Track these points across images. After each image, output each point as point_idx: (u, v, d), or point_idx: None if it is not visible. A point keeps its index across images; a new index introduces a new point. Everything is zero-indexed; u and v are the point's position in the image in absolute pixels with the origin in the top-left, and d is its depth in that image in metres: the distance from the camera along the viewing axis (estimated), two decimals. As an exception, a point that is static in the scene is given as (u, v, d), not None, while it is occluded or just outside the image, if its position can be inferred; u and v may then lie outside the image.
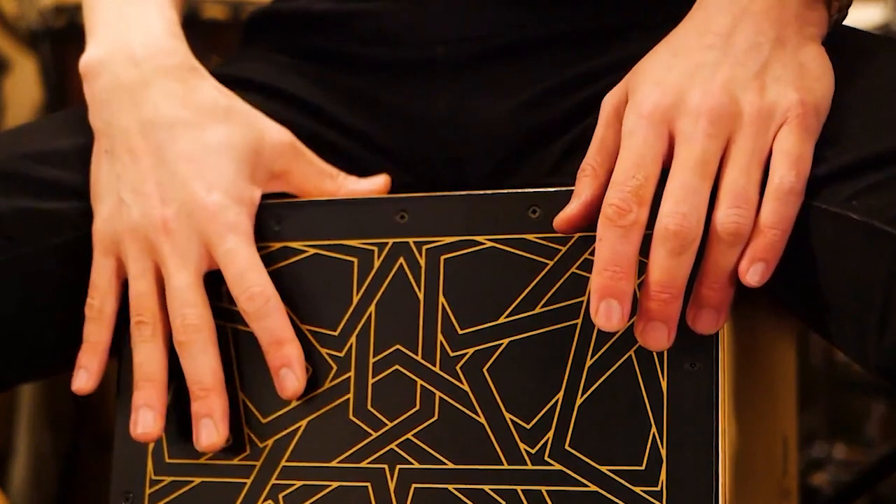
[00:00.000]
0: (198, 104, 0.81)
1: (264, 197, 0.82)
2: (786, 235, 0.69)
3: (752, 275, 0.69)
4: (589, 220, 0.72)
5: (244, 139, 0.81)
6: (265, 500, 0.78)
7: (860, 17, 1.90)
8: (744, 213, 0.68)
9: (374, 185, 0.84)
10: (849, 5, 0.76)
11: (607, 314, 0.69)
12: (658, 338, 0.70)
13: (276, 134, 0.83)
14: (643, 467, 0.72)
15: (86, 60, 0.83)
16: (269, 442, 0.79)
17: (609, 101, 0.74)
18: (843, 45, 0.77)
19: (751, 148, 0.69)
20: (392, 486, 0.76)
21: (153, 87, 0.81)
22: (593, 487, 0.73)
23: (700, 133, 0.69)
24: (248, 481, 0.79)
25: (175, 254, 0.78)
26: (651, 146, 0.69)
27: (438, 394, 0.76)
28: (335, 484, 0.77)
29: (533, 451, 0.74)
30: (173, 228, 0.78)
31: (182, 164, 0.79)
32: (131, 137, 0.80)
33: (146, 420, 0.78)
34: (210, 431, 0.78)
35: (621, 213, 0.68)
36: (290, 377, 0.78)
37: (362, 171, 0.87)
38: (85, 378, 0.81)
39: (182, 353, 0.78)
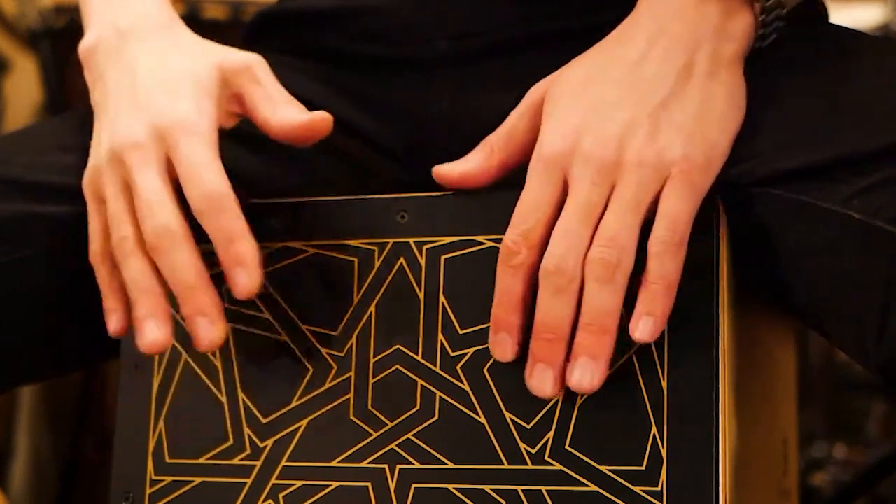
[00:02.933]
0: (173, 47, 0.83)
1: (265, 195, 0.82)
2: (670, 289, 0.70)
3: (642, 330, 0.70)
4: (463, 184, 0.77)
5: (208, 64, 0.81)
6: (265, 500, 0.78)
7: (860, 17, 1.90)
8: (610, 251, 0.70)
9: (310, 120, 0.81)
10: (779, 7, 0.75)
11: (502, 345, 0.73)
12: (543, 379, 0.72)
13: (237, 56, 0.82)
14: (643, 467, 0.72)
15: (82, 47, 0.85)
16: (269, 442, 0.79)
17: (533, 93, 0.77)
18: (837, 43, 0.77)
19: (629, 197, 0.71)
20: (392, 486, 0.76)
21: (135, 47, 0.82)
22: (593, 487, 0.73)
23: (587, 181, 0.71)
24: (248, 481, 0.79)
25: (139, 161, 0.76)
26: (545, 191, 0.73)
27: (439, 394, 0.76)
28: (335, 484, 0.77)
29: (533, 451, 0.74)
30: (140, 141, 0.77)
31: (151, 88, 0.79)
32: (115, 87, 0.81)
33: (150, 328, 0.75)
34: (208, 328, 0.75)
35: (511, 253, 0.72)
36: (242, 275, 0.75)
37: (363, 171, 0.87)
38: (116, 319, 0.79)
39: (157, 258, 0.75)
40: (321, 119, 0.81)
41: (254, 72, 0.82)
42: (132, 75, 0.81)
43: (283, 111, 0.80)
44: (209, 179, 0.75)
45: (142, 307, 0.76)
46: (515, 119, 0.77)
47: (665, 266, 0.70)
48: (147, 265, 0.76)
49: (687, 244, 0.71)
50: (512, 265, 0.72)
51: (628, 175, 0.71)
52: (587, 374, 0.71)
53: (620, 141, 0.72)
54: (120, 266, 0.77)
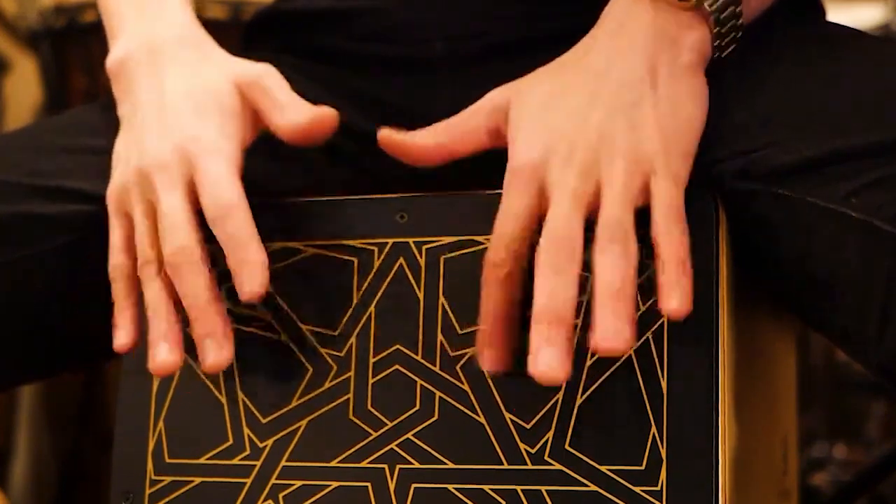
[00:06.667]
0: (200, 66, 0.84)
1: (265, 195, 0.82)
2: (685, 264, 0.70)
3: (677, 299, 0.69)
4: (399, 152, 0.79)
5: (227, 81, 0.82)
6: (265, 500, 0.78)
7: (860, 17, 1.90)
8: (617, 227, 0.70)
9: (315, 116, 0.81)
10: (734, 18, 0.76)
11: (494, 357, 0.73)
12: (549, 362, 0.69)
13: (248, 69, 0.83)
14: (643, 467, 0.72)
15: (112, 60, 0.86)
16: (269, 442, 0.79)
17: (493, 99, 0.78)
18: (834, 41, 0.77)
19: (619, 187, 0.71)
20: (392, 486, 0.76)
21: (166, 66, 0.84)
22: (593, 487, 0.73)
23: (571, 178, 0.72)
24: (248, 481, 0.79)
25: (164, 181, 0.78)
26: (522, 201, 0.73)
27: (438, 394, 0.76)
28: (335, 484, 0.77)
29: (533, 451, 0.74)
30: (167, 162, 0.79)
31: (178, 108, 0.81)
32: (146, 106, 0.82)
33: (161, 352, 0.76)
34: (215, 351, 0.76)
35: (496, 266, 0.72)
36: (248, 277, 0.75)
37: (363, 171, 0.87)
38: (124, 335, 0.79)
39: (174, 276, 0.77)
40: (326, 113, 0.81)
41: (262, 83, 0.82)
42: (160, 95, 0.82)
43: (288, 114, 0.81)
44: (223, 188, 0.77)
45: (155, 330, 0.77)
46: (470, 112, 0.79)
47: (674, 242, 0.70)
48: (164, 289, 0.78)
49: (687, 229, 0.71)
50: (498, 277, 0.72)
51: (614, 168, 0.71)
52: (611, 330, 0.69)
53: (599, 140, 0.72)
54: (143, 287, 0.78)
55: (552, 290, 0.70)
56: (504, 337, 0.73)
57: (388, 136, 0.79)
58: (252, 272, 0.75)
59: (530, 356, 0.70)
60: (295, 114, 0.81)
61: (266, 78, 0.83)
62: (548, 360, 0.69)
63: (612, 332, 0.68)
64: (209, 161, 0.78)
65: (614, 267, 0.69)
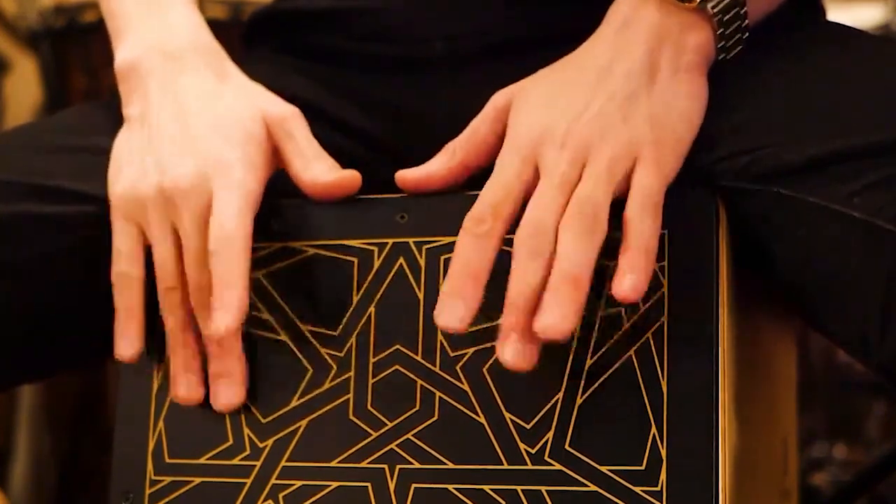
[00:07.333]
0: (221, 85, 0.84)
1: (266, 195, 0.82)
2: (649, 251, 0.70)
3: (626, 286, 0.69)
4: (425, 188, 0.79)
5: (254, 113, 0.83)
6: (265, 500, 0.78)
7: (860, 17, 1.90)
8: (587, 208, 0.70)
9: (339, 179, 0.82)
10: (739, 20, 0.77)
11: (451, 310, 0.71)
12: (520, 352, 0.70)
13: (277, 108, 0.84)
14: (643, 467, 0.72)
15: (121, 61, 0.86)
16: (269, 442, 0.79)
17: (496, 100, 0.79)
18: (836, 41, 0.78)
19: (602, 168, 0.72)
20: (392, 486, 0.76)
21: (184, 77, 0.84)
22: (593, 487, 0.73)
23: (563, 160, 0.72)
24: (248, 481, 0.79)
25: (191, 212, 0.78)
26: (516, 171, 0.74)
27: (438, 394, 0.76)
28: (335, 484, 0.77)
29: (533, 451, 0.74)
30: (188, 187, 0.78)
31: (204, 133, 0.81)
32: (163, 115, 0.82)
33: (188, 384, 0.79)
34: (229, 390, 0.78)
35: (477, 222, 0.72)
36: (221, 316, 0.76)
37: (363, 171, 0.87)
38: (127, 344, 0.79)
39: (198, 307, 0.78)
40: (349, 177, 0.81)
41: (288, 125, 0.83)
42: (183, 112, 0.82)
43: (313, 169, 0.81)
44: (226, 221, 0.77)
45: (179, 362, 0.79)
46: (478, 123, 0.79)
47: (643, 226, 0.70)
48: (188, 319, 0.79)
49: (661, 218, 0.71)
50: (476, 233, 0.72)
51: (601, 152, 0.72)
52: (556, 318, 0.69)
53: (593, 126, 0.73)
54: (163, 313, 0.79)
55: (523, 275, 0.70)
56: (469, 294, 0.71)
57: (404, 176, 0.80)
58: (226, 314, 0.76)
59: (498, 342, 0.70)
60: (320, 171, 0.81)
61: (292, 121, 0.83)
62: (512, 350, 0.70)
63: (558, 318, 0.69)
64: (226, 192, 0.78)
65: (575, 246, 0.70)
